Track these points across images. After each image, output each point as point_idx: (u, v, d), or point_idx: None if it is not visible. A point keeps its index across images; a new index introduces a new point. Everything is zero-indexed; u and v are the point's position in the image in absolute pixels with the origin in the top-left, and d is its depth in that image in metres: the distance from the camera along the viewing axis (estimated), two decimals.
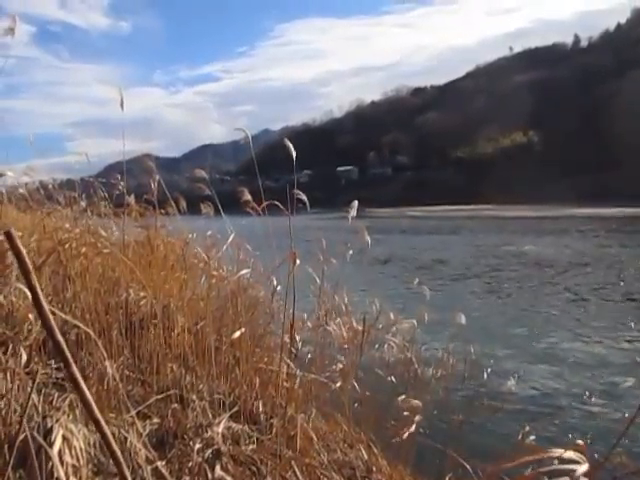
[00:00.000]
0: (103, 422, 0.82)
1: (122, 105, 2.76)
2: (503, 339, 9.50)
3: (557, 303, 13.16)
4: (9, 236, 0.60)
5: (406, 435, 2.84)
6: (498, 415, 4.81)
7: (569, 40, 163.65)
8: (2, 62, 1.89)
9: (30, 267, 0.62)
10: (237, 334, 2.60)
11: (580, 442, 1.51)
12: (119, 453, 0.85)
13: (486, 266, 20.40)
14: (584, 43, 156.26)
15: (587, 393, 6.69)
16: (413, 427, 2.77)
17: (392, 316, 3.17)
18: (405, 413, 2.90)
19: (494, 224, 46.57)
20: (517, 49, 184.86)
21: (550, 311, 12.26)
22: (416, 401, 2.85)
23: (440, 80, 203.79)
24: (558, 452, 0.87)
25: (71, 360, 0.68)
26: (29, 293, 0.64)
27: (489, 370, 3.90)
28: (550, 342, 9.45)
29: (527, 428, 2.99)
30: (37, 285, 0.63)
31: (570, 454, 0.86)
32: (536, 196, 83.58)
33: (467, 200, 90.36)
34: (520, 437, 2.96)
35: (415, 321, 3.02)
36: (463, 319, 3.16)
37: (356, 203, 2.69)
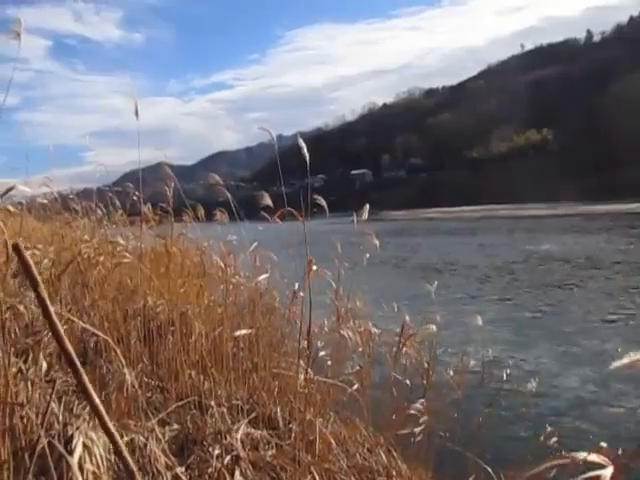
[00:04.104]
0: (114, 430, 0.82)
1: (137, 114, 2.78)
2: (522, 340, 9.37)
3: (576, 302, 12.95)
4: (17, 249, 0.61)
5: (419, 437, 2.82)
6: (519, 417, 4.74)
7: (581, 36, 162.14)
8: (21, 76, 1.92)
9: (39, 279, 0.63)
10: (243, 332, 2.59)
11: (604, 444, 1.49)
12: (129, 459, 0.85)
13: (503, 266, 20.17)
14: (597, 38, 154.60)
15: (611, 394, 6.57)
16: (419, 428, 2.75)
17: (407, 319, 3.15)
18: (424, 418, 2.88)
19: (510, 224, 46.06)
20: (528, 46, 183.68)
21: (570, 311, 12.07)
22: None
23: (452, 81, 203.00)
24: (581, 456, 0.85)
25: (82, 370, 0.68)
26: (39, 305, 0.64)
27: (509, 371, 3.85)
28: (571, 342, 9.29)
29: (548, 430, 2.95)
30: (46, 297, 0.64)
31: (594, 457, 0.84)
32: (552, 194, 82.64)
33: (482, 200, 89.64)
34: (542, 439, 2.92)
35: (434, 327, 2.99)
36: (480, 321, 3.13)
37: (367, 206, 2.68)
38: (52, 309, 0.64)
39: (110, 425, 0.81)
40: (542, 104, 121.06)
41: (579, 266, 19.22)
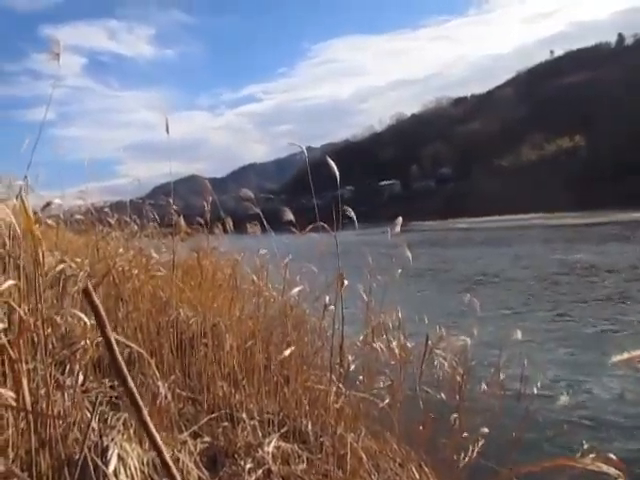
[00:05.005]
0: (160, 442, 0.82)
1: (167, 129, 2.84)
2: (564, 355, 9.08)
3: (614, 314, 12.50)
4: (87, 293, 0.62)
5: (451, 452, 2.76)
6: (555, 434, 4.59)
7: (612, 39, 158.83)
8: (57, 92, 1.99)
9: (106, 322, 0.64)
10: (287, 352, 2.59)
11: (612, 456, 1.42)
12: (175, 471, 0.85)
13: (544, 277, 19.55)
14: (629, 41, 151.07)
15: None
16: (475, 450, 2.69)
17: (443, 332, 3.09)
18: (464, 434, 2.81)
19: (545, 233, 44.97)
20: (558, 52, 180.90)
21: (606, 322, 11.67)
22: (485, 429, 2.77)
23: (480, 89, 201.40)
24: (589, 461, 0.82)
25: (140, 403, 0.69)
26: (106, 346, 0.65)
27: (547, 387, 3.74)
28: (609, 356, 8.95)
29: (586, 447, 2.84)
30: (112, 338, 0.65)
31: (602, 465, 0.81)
32: (585, 202, 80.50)
33: (513, 210, 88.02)
34: (579, 455, 2.81)
35: (468, 339, 2.93)
36: (519, 334, 3.05)
37: (400, 219, 2.65)
38: (118, 354, 0.66)
39: (158, 439, 0.81)
40: (573, 110, 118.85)
41: (624, 277, 18.42)
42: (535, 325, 11.17)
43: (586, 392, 7.06)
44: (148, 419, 0.74)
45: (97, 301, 0.64)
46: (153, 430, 0.75)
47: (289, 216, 2.60)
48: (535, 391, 3.18)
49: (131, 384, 0.70)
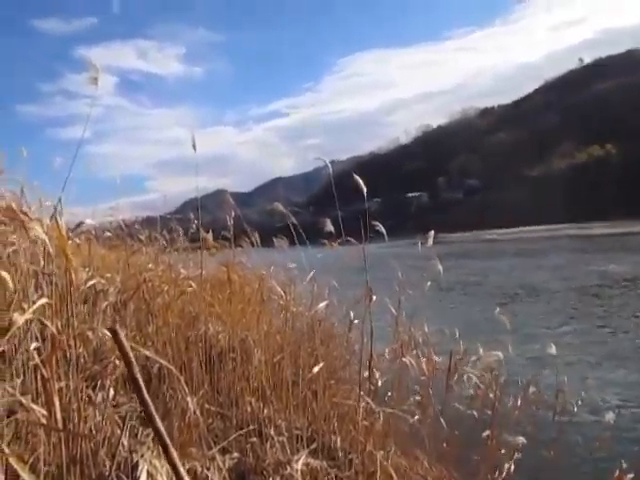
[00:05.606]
0: (178, 460, 0.81)
1: (194, 146, 2.86)
2: (595, 368, 8.79)
3: None
4: (114, 333, 0.63)
5: (484, 469, 2.68)
6: (592, 451, 4.43)
7: None
8: (93, 111, 2.05)
9: (133, 361, 0.65)
10: (316, 369, 2.56)
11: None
12: None
13: (576, 289, 18.95)
14: None
15: None
16: (510, 468, 2.60)
17: (477, 347, 3.02)
18: (502, 451, 2.73)
19: (575, 243, 43.88)
20: (587, 60, 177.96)
21: None
22: (521, 438, 2.68)
23: (507, 99, 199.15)
24: None
25: (157, 419, 0.68)
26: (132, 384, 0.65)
27: (583, 403, 3.60)
28: None
29: (625, 466, 2.73)
30: (139, 378, 0.65)
31: None
32: (618, 211, 78.49)
33: (544, 220, 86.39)
34: (616, 475, 2.71)
35: (501, 354, 2.86)
36: (553, 349, 2.96)
37: (432, 232, 2.61)
38: (145, 393, 0.66)
39: (174, 455, 0.81)
40: (604, 118, 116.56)
41: None
42: (577, 340, 10.74)
43: (632, 410, 6.78)
44: (164, 434, 0.73)
45: (124, 340, 0.64)
46: (169, 444, 0.74)
47: (329, 227, 2.54)
48: (576, 409, 3.08)
49: (148, 400, 0.70)
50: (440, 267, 2.76)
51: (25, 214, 1.67)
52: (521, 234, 71.69)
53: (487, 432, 2.94)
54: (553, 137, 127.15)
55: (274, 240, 3.56)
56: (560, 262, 28.87)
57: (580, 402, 3.54)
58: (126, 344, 0.64)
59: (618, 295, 17.19)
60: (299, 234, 3.25)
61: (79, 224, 1.87)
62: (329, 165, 2.53)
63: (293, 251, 3.50)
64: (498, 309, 3.16)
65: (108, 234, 4.04)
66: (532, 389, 3.09)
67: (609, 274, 21.93)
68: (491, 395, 3.05)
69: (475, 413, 3.12)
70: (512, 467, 2.83)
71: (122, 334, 0.64)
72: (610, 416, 3.22)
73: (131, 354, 0.65)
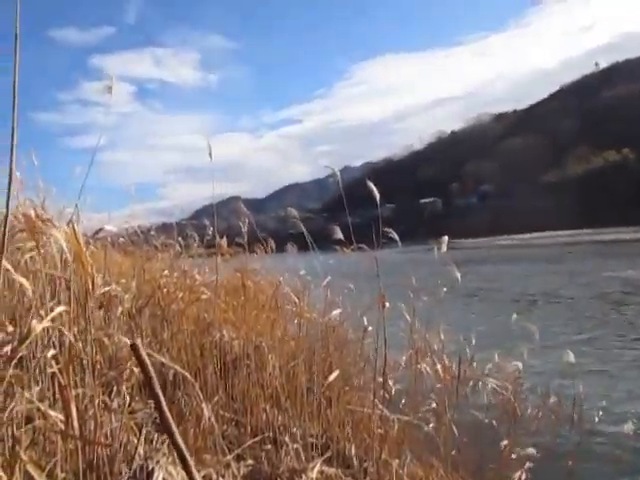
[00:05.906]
0: (193, 467, 0.81)
1: (210, 154, 2.87)
2: (615, 377, 8.61)
3: None
4: (135, 348, 0.63)
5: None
6: (612, 461, 4.34)
7: None
8: (108, 119, 2.10)
9: (154, 378, 0.65)
10: (331, 378, 2.55)
11: None
12: None
13: (597, 295, 18.58)
14: None
15: None
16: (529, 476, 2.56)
17: (496, 357, 2.98)
18: (515, 460, 2.69)
19: (592, 249, 43.21)
20: (603, 64, 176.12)
21: None
22: (531, 449, 2.64)
23: (522, 104, 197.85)
24: None
25: (174, 427, 0.68)
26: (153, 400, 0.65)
27: (603, 413, 3.53)
28: None
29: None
30: (160, 393, 0.65)
31: None
32: (634, 216, 77.16)
33: (559, 225, 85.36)
34: None
35: (520, 364, 2.82)
36: (572, 357, 2.91)
37: (446, 238, 2.60)
38: (167, 411, 0.66)
39: (190, 461, 0.80)
40: (620, 122, 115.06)
41: None
42: (596, 348, 10.52)
43: (634, 412, 6.63)
44: (180, 440, 0.73)
45: (145, 356, 0.64)
46: (184, 450, 0.74)
47: (338, 234, 2.56)
48: (596, 419, 3.03)
49: (165, 408, 0.70)
50: (458, 274, 2.73)
51: (44, 221, 1.69)
52: (537, 240, 70.94)
53: (505, 441, 2.90)
54: (569, 142, 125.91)
55: (288, 246, 3.57)
56: (577, 268, 28.43)
57: (600, 412, 3.48)
58: (146, 359, 0.65)
59: (638, 302, 16.84)
60: (312, 240, 3.25)
61: (99, 230, 1.89)
62: (338, 174, 2.54)
63: (306, 256, 3.50)
64: (515, 316, 3.12)
65: (122, 240, 4.08)
66: (552, 399, 3.04)
67: (628, 280, 21.51)
68: (509, 404, 3.01)
69: (494, 422, 3.08)
70: (529, 477, 2.78)
71: (143, 350, 0.64)
72: (630, 427, 3.15)
73: (152, 370, 0.66)
